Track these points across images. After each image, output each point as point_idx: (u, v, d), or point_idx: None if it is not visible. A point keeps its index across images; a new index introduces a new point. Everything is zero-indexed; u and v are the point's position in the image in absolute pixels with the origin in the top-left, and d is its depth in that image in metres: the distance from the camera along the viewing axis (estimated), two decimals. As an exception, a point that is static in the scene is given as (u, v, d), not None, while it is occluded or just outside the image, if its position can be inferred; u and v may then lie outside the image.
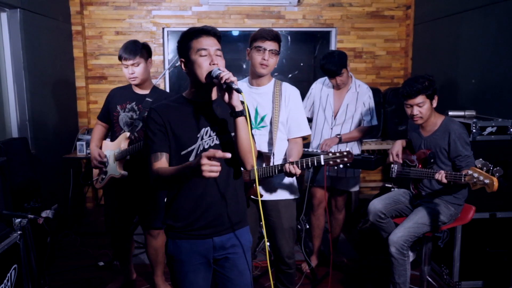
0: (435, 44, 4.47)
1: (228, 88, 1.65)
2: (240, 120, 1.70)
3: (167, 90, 5.01)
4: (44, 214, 2.41)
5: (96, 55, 4.88)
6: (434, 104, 2.66)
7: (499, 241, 3.10)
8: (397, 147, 2.88)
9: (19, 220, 2.35)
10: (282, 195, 2.50)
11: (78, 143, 4.33)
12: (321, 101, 3.40)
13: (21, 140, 3.43)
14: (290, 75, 5.23)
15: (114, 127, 2.88)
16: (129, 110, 2.83)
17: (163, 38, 4.92)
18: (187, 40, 1.77)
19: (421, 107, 2.63)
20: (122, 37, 4.84)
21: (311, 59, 5.31)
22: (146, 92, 2.85)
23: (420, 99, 2.60)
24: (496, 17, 3.46)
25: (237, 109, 1.68)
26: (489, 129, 3.04)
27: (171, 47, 5.01)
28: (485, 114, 3.41)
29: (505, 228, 3.09)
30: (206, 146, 1.78)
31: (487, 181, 2.16)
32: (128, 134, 2.78)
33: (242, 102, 1.71)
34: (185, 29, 1.83)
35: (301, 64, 5.29)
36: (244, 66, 5.13)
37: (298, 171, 2.21)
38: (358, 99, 3.32)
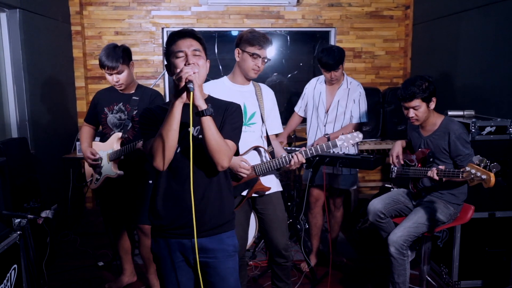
0: (434, 44, 4.47)
1: (187, 88, 1.66)
2: (204, 120, 1.68)
3: (167, 90, 5.01)
4: (43, 214, 2.41)
5: (96, 55, 4.87)
6: (432, 106, 2.66)
7: (498, 241, 3.11)
8: (397, 148, 2.89)
9: (18, 220, 2.35)
10: (273, 188, 2.56)
11: (77, 143, 4.33)
12: (314, 99, 3.44)
13: (20, 140, 3.44)
14: (289, 75, 5.23)
15: (104, 128, 2.91)
16: (117, 111, 2.85)
17: (162, 38, 4.92)
18: (167, 46, 1.82)
19: (416, 110, 2.63)
20: (122, 37, 4.84)
21: (311, 59, 5.32)
22: (132, 91, 2.88)
23: (415, 102, 2.60)
24: (495, 17, 3.47)
25: (199, 109, 1.67)
26: (488, 129, 3.05)
27: (170, 47, 5.00)
28: (484, 113, 3.41)
29: (504, 228, 3.09)
30: (186, 146, 1.75)
31: (484, 176, 2.17)
32: (120, 134, 2.81)
33: (219, 100, 1.74)
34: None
35: (301, 64, 5.29)
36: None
37: (303, 160, 2.41)
38: (349, 95, 3.34)
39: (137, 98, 2.82)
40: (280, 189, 2.63)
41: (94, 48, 4.87)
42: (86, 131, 3.01)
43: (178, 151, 1.79)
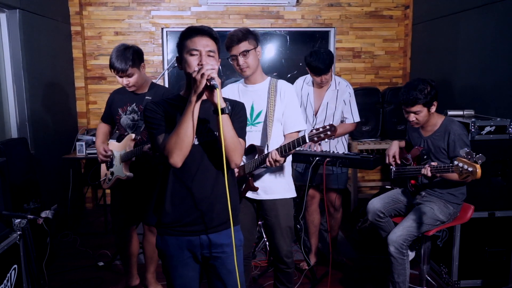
0: (433, 43, 4.48)
1: (210, 85, 1.66)
2: (223, 118, 1.70)
3: (166, 90, 5.02)
4: (43, 215, 2.42)
5: (95, 55, 4.88)
6: (433, 110, 2.64)
7: (498, 240, 3.11)
8: (394, 148, 2.88)
9: (18, 220, 2.36)
10: (279, 194, 2.50)
11: (77, 143, 4.33)
12: (302, 100, 3.38)
13: (20, 141, 3.44)
14: (289, 75, 5.23)
15: (118, 129, 2.91)
16: (130, 112, 2.84)
17: (162, 38, 4.93)
18: (182, 39, 1.82)
19: (417, 115, 2.62)
20: (121, 38, 4.85)
21: (310, 59, 5.32)
22: (145, 91, 2.84)
23: (417, 108, 2.59)
24: (495, 17, 3.47)
25: (218, 106, 1.68)
26: (487, 129, 3.05)
27: (170, 47, 5.01)
28: (484, 113, 3.41)
29: (504, 227, 3.10)
30: (195, 143, 1.81)
31: (470, 169, 2.17)
32: (133, 135, 2.78)
33: (225, 99, 1.73)
34: (184, 29, 1.85)
35: (300, 64, 5.28)
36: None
37: (280, 158, 2.24)
38: (338, 96, 3.30)
39: (150, 98, 2.77)
40: (289, 195, 2.54)
41: (94, 48, 4.88)
42: (102, 127, 3.01)
43: None
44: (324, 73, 3.17)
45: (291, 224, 2.57)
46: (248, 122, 2.40)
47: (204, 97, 1.72)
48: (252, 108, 2.46)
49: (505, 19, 3.35)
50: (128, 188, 2.90)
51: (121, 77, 2.71)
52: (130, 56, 2.67)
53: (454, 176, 2.40)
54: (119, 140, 2.92)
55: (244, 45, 2.33)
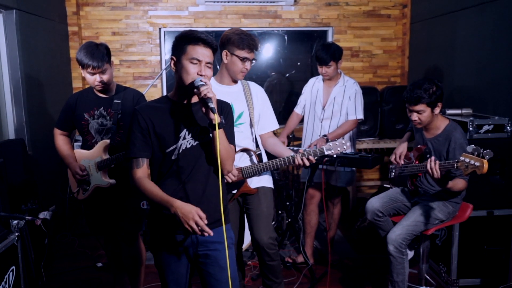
0: (431, 42, 4.48)
1: (205, 102, 1.73)
2: (218, 132, 1.75)
3: (164, 91, 5.00)
4: (41, 216, 2.41)
5: (93, 55, 4.86)
6: (437, 111, 2.61)
7: (496, 239, 3.11)
8: (402, 148, 2.88)
9: (16, 221, 2.35)
10: (260, 183, 2.57)
11: (75, 144, 4.31)
12: (312, 96, 3.49)
13: (18, 142, 3.43)
14: (287, 75, 5.23)
15: (85, 135, 2.72)
16: (98, 117, 2.67)
17: (159, 38, 4.92)
18: (184, 43, 1.82)
19: (420, 114, 2.59)
20: (119, 38, 4.84)
21: (308, 58, 5.31)
22: (111, 93, 2.68)
23: (420, 107, 2.56)
24: (492, 15, 3.48)
25: (213, 122, 1.74)
26: (485, 127, 3.05)
27: (168, 47, 5.00)
28: (482, 112, 3.42)
29: (502, 226, 3.09)
30: (188, 146, 1.86)
31: (477, 163, 2.17)
32: (108, 141, 2.63)
33: (225, 110, 1.83)
34: (181, 29, 1.87)
35: (298, 63, 5.29)
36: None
37: (307, 162, 2.39)
38: (345, 92, 3.38)
39: (119, 101, 2.64)
40: (269, 185, 2.62)
41: (91, 48, 4.85)
42: (64, 142, 2.77)
43: (181, 151, 1.86)
44: (325, 63, 3.28)
45: (272, 213, 2.64)
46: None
47: (196, 99, 1.83)
48: (232, 109, 2.48)
49: (503, 17, 3.35)
50: (108, 194, 2.71)
51: (94, 74, 2.55)
52: (104, 51, 2.58)
53: (460, 185, 2.48)
54: (85, 147, 2.74)
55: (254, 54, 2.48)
